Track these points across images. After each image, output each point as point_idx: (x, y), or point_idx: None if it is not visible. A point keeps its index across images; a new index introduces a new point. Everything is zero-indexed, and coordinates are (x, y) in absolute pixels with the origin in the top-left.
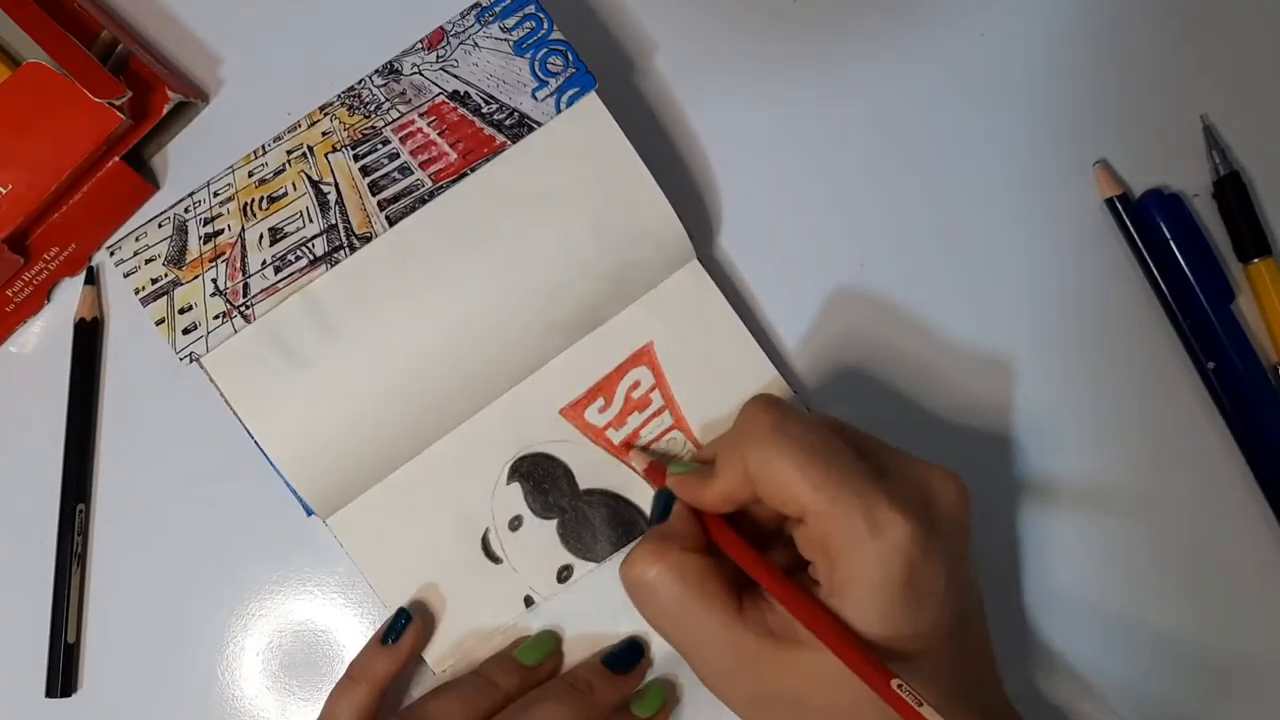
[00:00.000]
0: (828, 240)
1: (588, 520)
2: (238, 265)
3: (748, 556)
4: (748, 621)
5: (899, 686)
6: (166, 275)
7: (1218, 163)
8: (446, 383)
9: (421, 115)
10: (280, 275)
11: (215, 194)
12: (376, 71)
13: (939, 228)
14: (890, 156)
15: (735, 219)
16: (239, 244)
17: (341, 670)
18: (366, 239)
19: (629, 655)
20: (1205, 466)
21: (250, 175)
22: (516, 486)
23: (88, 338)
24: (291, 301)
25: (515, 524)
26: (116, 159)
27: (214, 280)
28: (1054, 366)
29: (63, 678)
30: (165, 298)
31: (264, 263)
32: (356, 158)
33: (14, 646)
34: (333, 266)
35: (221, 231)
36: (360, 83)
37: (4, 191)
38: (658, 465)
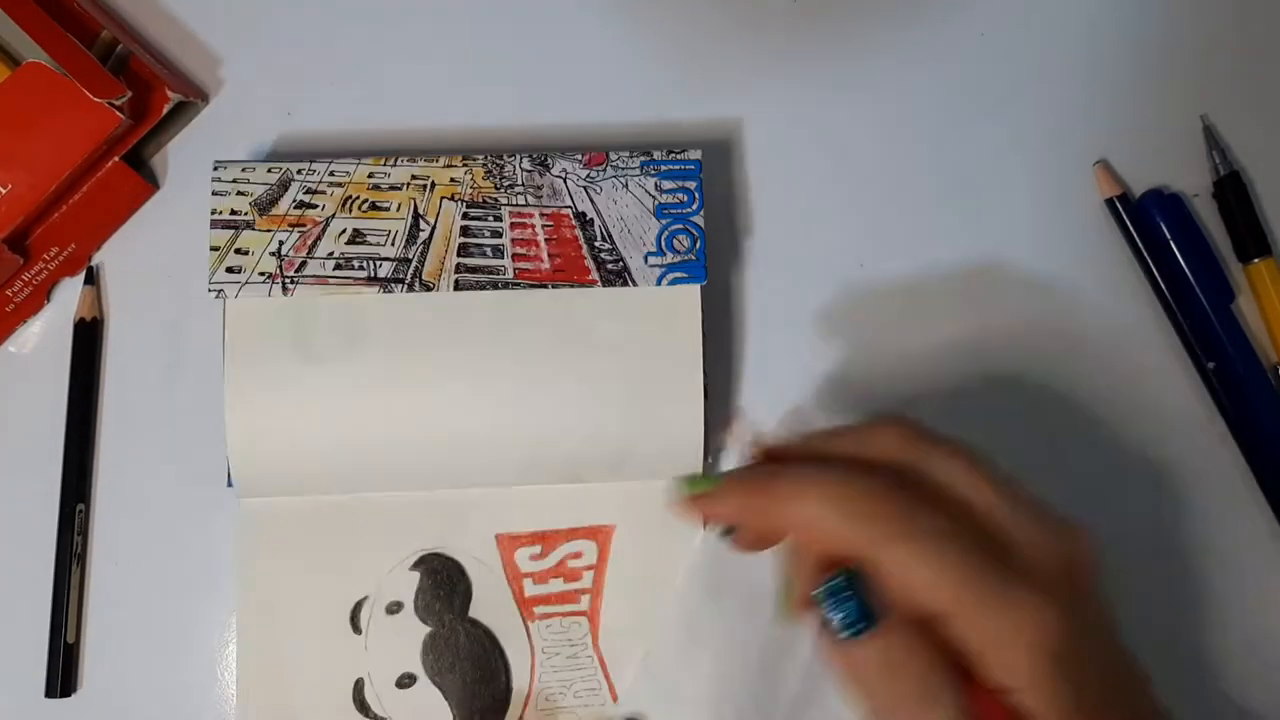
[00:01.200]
0: (826, 238)
1: (456, 645)
2: (309, 242)
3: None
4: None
5: None
6: (246, 214)
7: (1218, 163)
8: (420, 450)
9: (542, 215)
10: (336, 273)
11: (331, 174)
12: (529, 155)
13: (939, 227)
14: (890, 156)
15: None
16: (322, 226)
17: None
18: (428, 288)
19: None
20: (1205, 466)
21: (369, 176)
22: (415, 576)
23: (88, 338)
24: (338, 300)
25: (393, 608)
26: (116, 159)
27: (281, 242)
28: (1053, 366)
29: (63, 678)
30: (232, 231)
31: (330, 254)
32: (465, 216)
33: (14, 646)
34: (385, 291)
35: (315, 206)
36: (511, 156)
37: (4, 191)
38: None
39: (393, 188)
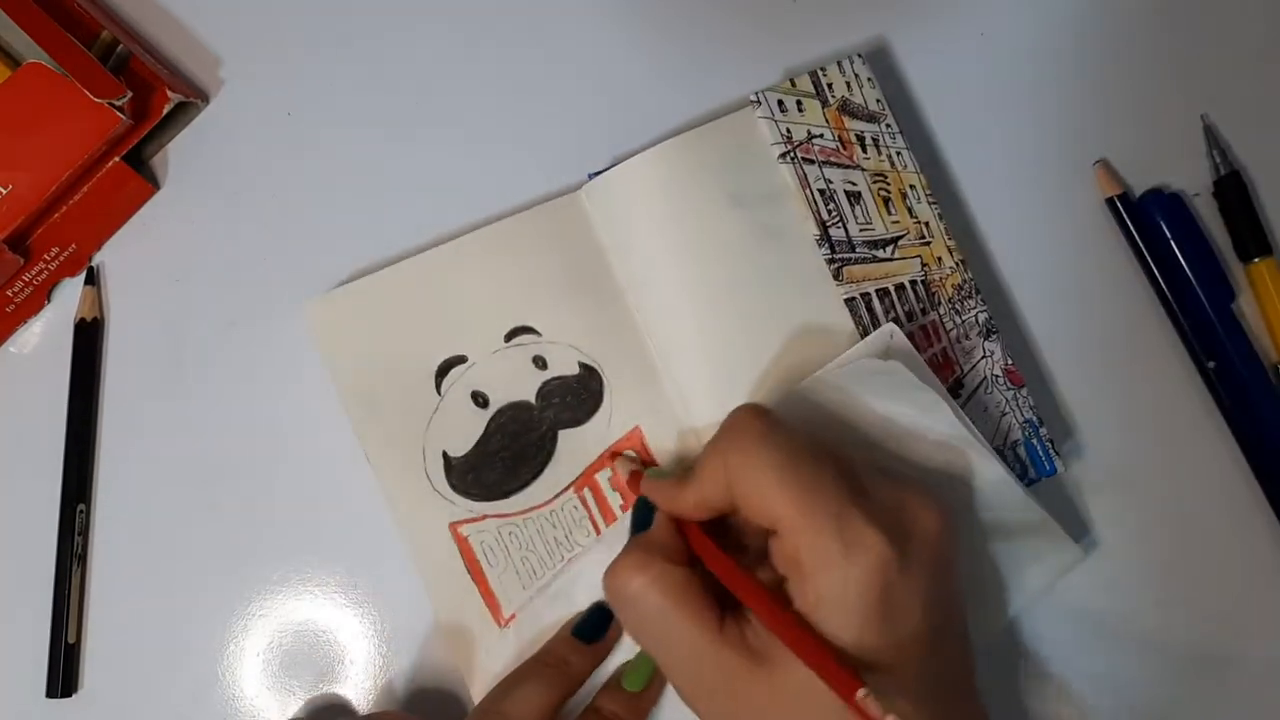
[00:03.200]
0: None
1: (524, 432)
2: (832, 158)
3: (724, 566)
4: (728, 638)
5: (864, 697)
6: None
7: (1218, 162)
8: (698, 327)
9: (943, 351)
10: (816, 191)
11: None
12: (988, 312)
13: None
14: None
15: None
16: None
17: (341, 670)
18: (836, 277)
19: (597, 623)
20: (1205, 465)
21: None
22: (573, 369)
23: (88, 338)
24: (796, 200)
25: (539, 362)
26: (116, 159)
27: (817, 136)
28: (1054, 365)
29: (63, 678)
30: (800, 105)
31: (830, 181)
32: (912, 282)
33: (14, 646)
34: (819, 243)
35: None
36: (981, 299)
37: (4, 191)
38: (639, 474)
39: (880, 175)
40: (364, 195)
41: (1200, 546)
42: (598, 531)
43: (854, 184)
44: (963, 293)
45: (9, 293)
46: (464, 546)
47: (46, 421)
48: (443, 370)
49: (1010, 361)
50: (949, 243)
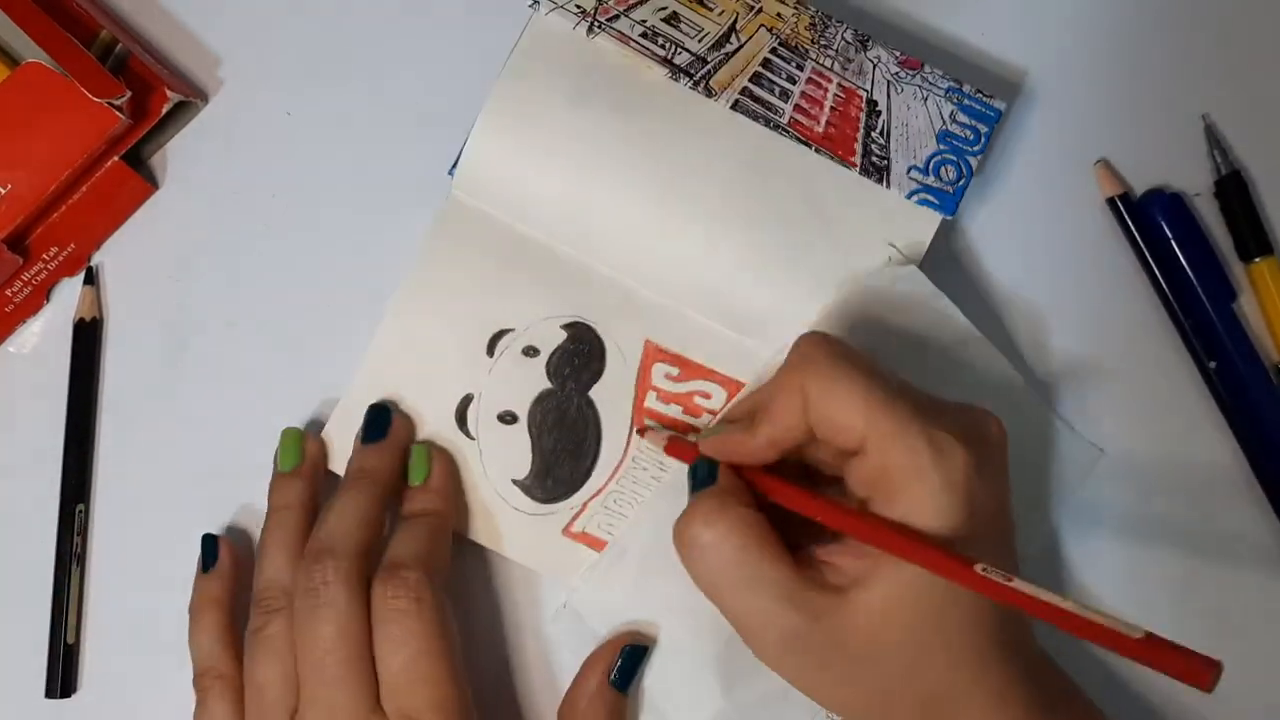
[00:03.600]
0: None
1: (564, 411)
2: (631, 1)
3: (806, 498)
4: (806, 578)
5: (984, 570)
6: None
7: (1219, 162)
8: (624, 232)
9: (839, 85)
10: (640, 40)
11: None
12: (854, 30)
13: None
14: None
15: None
16: None
17: None
18: (709, 94)
19: (377, 421)
20: (1206, 466)
21: None
22: (562, 335)
23: (87, 338)
24: (627, 65)
25: (530, 352)
26: (116, 159)
27: None
28: (1054, 366)
29: (63, 678)
30: None
31: (643, 21)
32: (773, 51)
33: (14, 646)
34: (672, 78)
35: None
36: (838, 21)
37: (3, 191)
38: (678, 440)
39: None
40: (364, 195)
41: (1200, 546)
42: None
43: (664, 7)
44: (818, 27)
45: (8, 293)
46: (588, 539)
47: (46, 421)
48: (461, 416)
49: (900, 52)
50: None
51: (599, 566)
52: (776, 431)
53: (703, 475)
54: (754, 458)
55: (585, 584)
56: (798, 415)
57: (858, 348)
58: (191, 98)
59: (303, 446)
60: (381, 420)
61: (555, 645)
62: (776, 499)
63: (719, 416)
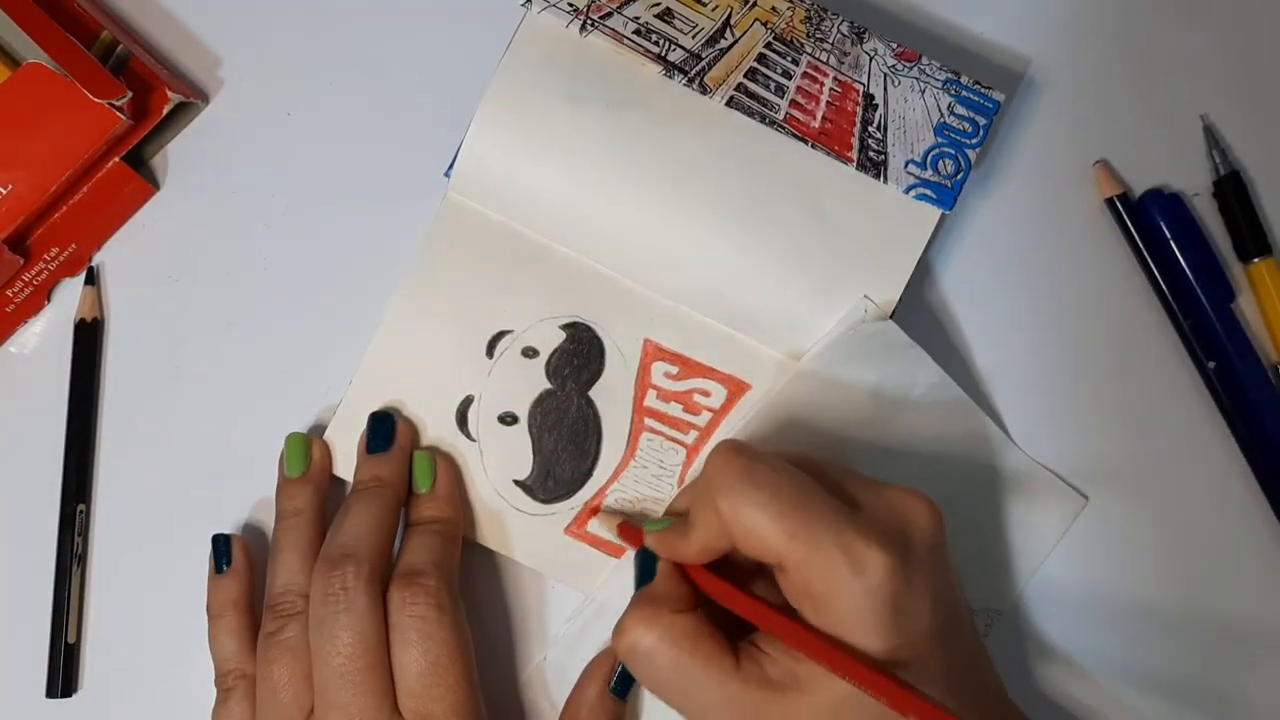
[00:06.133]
0: None
1: (564, 411)
2: None
3: (742, 602)
4: (746, 676)
5: (913, 691)
6: None
7: (1218, 162)
8: (620, 231)
9: (835, 79)
10: (634, 37)
11: None
12: (849, 22)
13: None
14: None
15: None
16: None
17: None
18: (704, 91)
19: (381, 430)
20: (1205, 466)
21: None
22: (560, 335)
23: (88, 338)
24: (621, 62)
25: (529, 353)
26: (116, 159)
27: None
28: (1054, 366)
29: (63, 678)
30: None
31: (636, 18)
32: (768, 46)
33: (14, 646)
34: (666, 75)
35: None
36: (834, 14)
37: (4, 191)
38: (629, 525)
39: None
40: (363, 195)
41: (1200, 546)
42: (684, 446)
43: (657, 4)
44: (813, 21)
45: (9, 293)
46: (592, 539)
47: (46, 421)
48: (461, 417)
49: (896, 44)
50: None
51: (576, 621)
52: (705, 542)
53: (640, 573)
54: (690, 559)
55: (562, 640)
56: (719, 530)
57: (767, 455)
58: (192, 98)
59: (309, 451)
60: (386, 429)
61: (559, 649)
62: (712, 595)
63: (667, 508)
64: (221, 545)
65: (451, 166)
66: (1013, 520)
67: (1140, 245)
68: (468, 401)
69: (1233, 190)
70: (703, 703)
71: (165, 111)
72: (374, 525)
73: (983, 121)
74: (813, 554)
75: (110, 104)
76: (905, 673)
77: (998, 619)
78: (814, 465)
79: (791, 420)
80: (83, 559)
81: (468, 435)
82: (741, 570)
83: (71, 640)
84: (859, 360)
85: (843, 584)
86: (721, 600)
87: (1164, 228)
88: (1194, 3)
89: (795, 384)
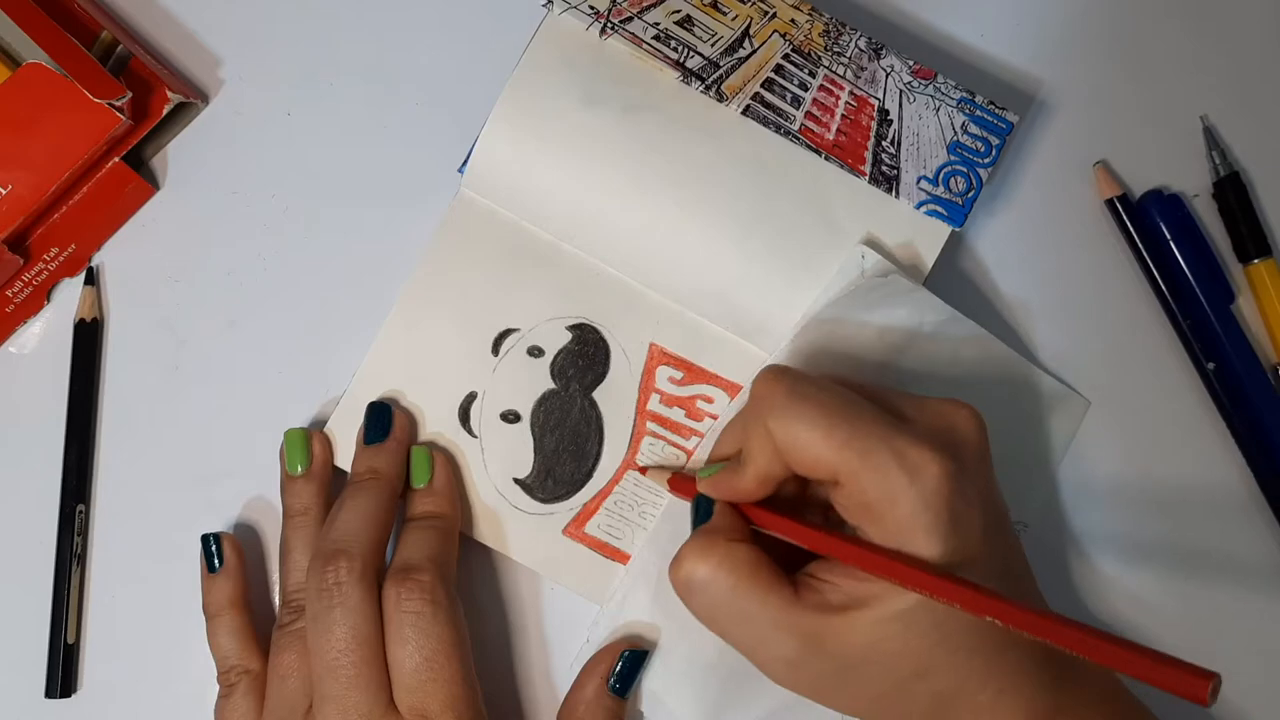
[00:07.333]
0: None
1: (567, 412)
2: (644, 4)
3: (802, 531)
4: (806, 603)
5: (975, 588)
6: None
7: (1218, 163)
8: (630, 233)
9: (851, 93)
10: (653, 43)
11: None
12: (867, 37)
13: None
14: None
15: None
16: None
17: None
18: (720, 99)
19: (379, 420)
20: (1205, 466)
21: None
22: (567, 336)
23: (88, 338)
24: (640, 67)
25: (535, 352)
26: (116, 159)
27: None
28: (1053, 366)
29: (63, 678)
30: None
31: (657, 24)
32: (785, 57)
33: (14, 646)
34: (684, 81)
35: None
36: (850, 28)
37: (4, 192)
38: (680, 476)
39: None
40: (363, 195)
41: (1200, 547)
42: (684, 451)
43: (677, 10)
44: (831, 34)
45: (9, 293)
46: (591, 541)
47: (46, 421)
48: (464, 414)
49: (914, 62)
50: (790, 0)
51: (618, 591)
52: (760, 471)
53: (701, 512)
54: (747, 496)
55: (605, 614)
56: (772, 455)
57: (813, 373)
58: (192, 98)
59: (309, 447)
60: (383, 419)
61: (557, 646)
62: (769, 529)
63: (709, 455)
64: (212, 544)
65: (465, 162)
66: (1028, 433)
67: (1140, 246)
68: (471, 398)
69: (1232, 191)
70: (760, 633)
71: (165, 112)
72: (368, 520)
73: (996, 141)
74: (866, 462)
75: (110, 104)
76: (965, 574)
77: (1024, 531)
78: (856, 384)
79: (806, 367)
80: (82, 559)
81: (470, 432)
82: (792, 508)
83: (71, 640)
84: (868, 307)
85: (900, 489)
86: (781, 533)
87: (1164, 229)
88: (1194, 5)
89: (806, 333)
